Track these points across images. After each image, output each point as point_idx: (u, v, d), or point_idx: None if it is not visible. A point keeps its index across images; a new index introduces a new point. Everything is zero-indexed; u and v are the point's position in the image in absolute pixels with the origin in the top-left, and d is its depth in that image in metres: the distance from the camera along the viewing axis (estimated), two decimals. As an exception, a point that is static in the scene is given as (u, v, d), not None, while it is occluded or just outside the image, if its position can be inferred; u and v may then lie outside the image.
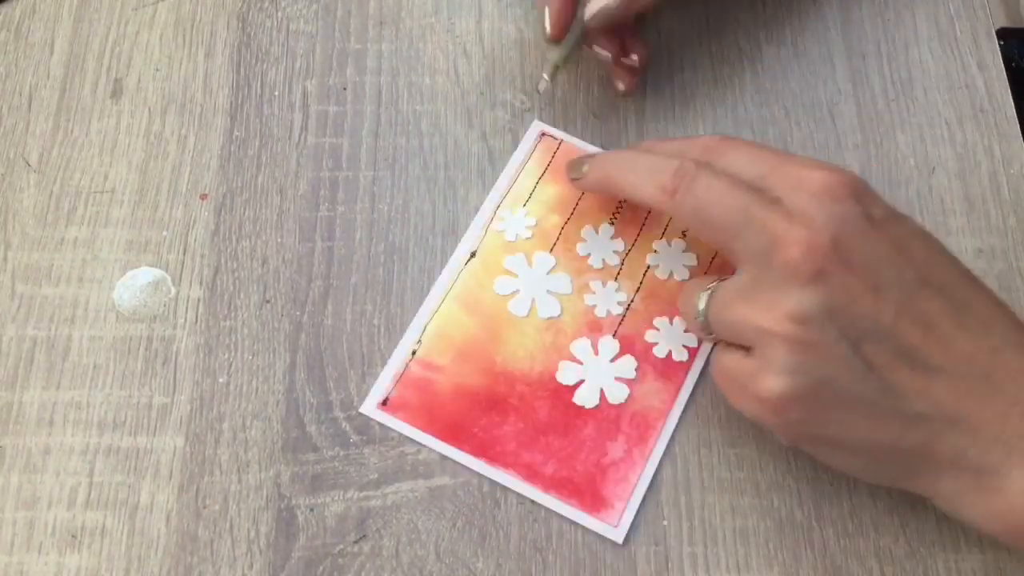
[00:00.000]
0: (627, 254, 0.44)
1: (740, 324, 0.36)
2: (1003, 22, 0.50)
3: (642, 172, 0.38)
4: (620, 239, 0.44)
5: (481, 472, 0.40)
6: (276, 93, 0.47)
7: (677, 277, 0.44)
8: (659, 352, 0.42)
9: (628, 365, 0.42)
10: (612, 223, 0.44)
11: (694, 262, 0.44)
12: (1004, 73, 0.48)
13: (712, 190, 0.36)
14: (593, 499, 0.40)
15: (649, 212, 0.45)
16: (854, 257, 0.34)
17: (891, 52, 0.49)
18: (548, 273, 0.43)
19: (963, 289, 0.36)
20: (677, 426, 0.41)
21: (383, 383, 0.41)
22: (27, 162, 0.46)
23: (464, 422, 0.41)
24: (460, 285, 0.43)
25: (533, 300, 0.43)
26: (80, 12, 0.49)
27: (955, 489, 0.35)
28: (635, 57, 0.45)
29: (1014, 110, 0.48)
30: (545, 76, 0.44)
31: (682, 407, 0.41)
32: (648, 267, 0.44)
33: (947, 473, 0.35)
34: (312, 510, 0.39)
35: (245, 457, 0.40)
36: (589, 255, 0.44)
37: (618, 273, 0.44)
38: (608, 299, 0.43)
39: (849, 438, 0.35)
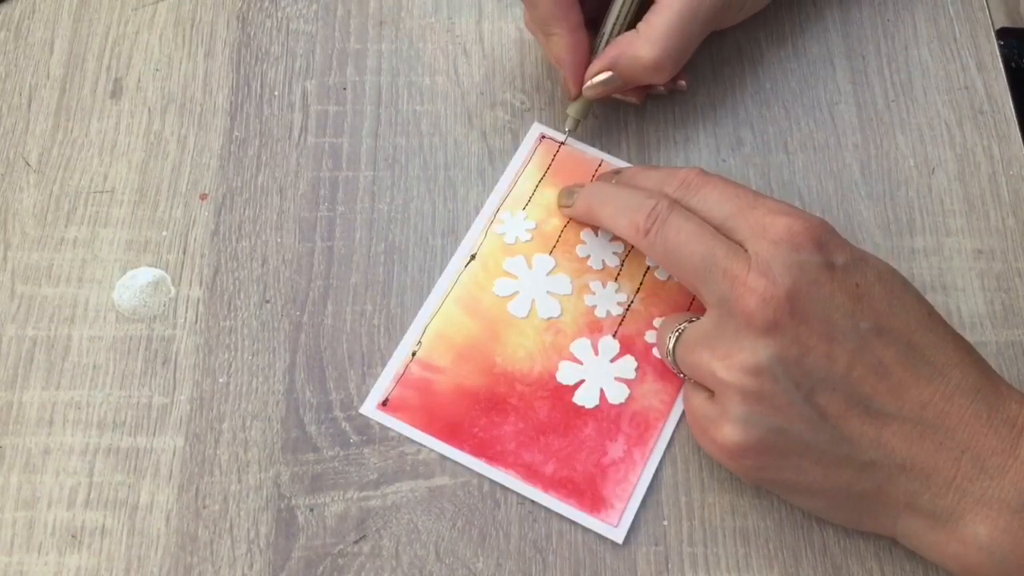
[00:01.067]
0: (626, 255, 0.44)
1: (702, 369, 0.37)
2: (1003, 22, 0.50)
3: (620, 208, 0.40)
4: (619, 241, 0.44)
5: (481, 472, 0.40)
6: (276, 93, 0.47)
7: (676, 278, 0.44)
8: (659, 352, 0.42)
9: (628, 365, 0.42)
10: None
11: None
12: (1004, 74, 0.48)
13: (681, 233, 0.37)
14: (593, 499, 0.40)
15: None
16: (809, 308, 0.35)
17: (891, 52, 0.49)
18: (548, 274, 0.43)
19: (921, 334, 0.36)
20: (677, 426, 0.41)
21: (383, 384, 0.41)
22: (27, 162, 0.46)
23: (464, 422, 0.41)
24: (460, 287, 0.43)
25: (533, 301, 0.43)
26: (80, 12, 0.49)
27: (913, 531, 0.36)
28: (682, 83, 0.47)
29: (1014, 111, 0.48)
30: (566, 129, 0.46)
31: (682, 407, 0.41)
32: (648, 268, 0.44)
33: (904, 516, 0.36)
34: (312, 510, 0.40)
35: (245, 457, 0.40)
36: (589, 256, 0.44)
37: (618, 274, 0.44)
38: (608, 300, 0.43)
39: (805, 483, 0.36)
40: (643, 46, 0.42)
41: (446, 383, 0.41)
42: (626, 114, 0.47)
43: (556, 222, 0.45)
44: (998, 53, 0.49)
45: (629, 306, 0.43)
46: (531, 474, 0.40)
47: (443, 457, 0.40)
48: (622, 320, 0.43)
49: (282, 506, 0.40)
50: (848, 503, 0.37)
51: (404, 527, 0.39)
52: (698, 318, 0.38)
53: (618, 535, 0.39)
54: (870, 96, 0.48)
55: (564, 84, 0.45)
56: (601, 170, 0.46)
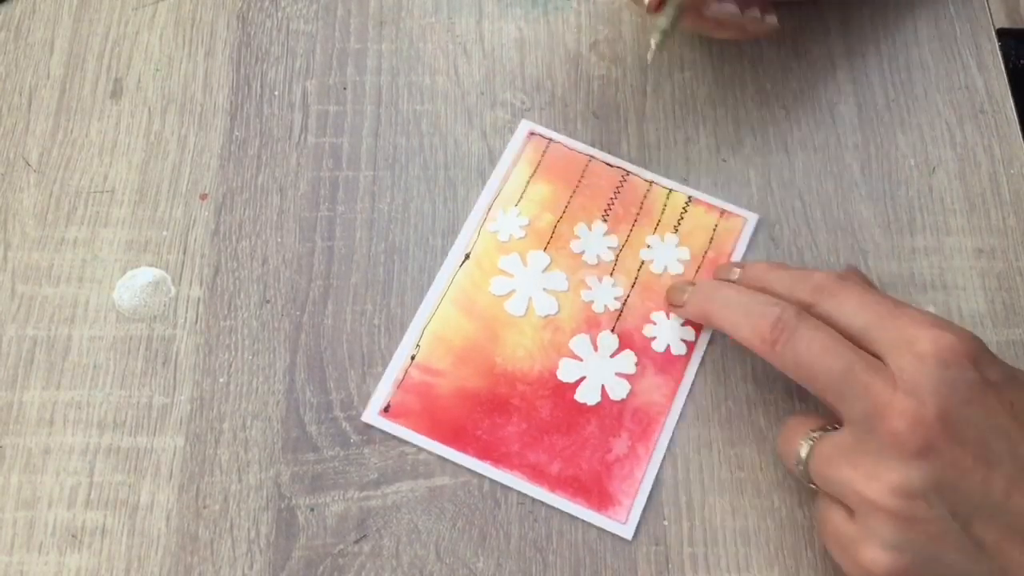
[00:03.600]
0: (621, 250, 0.44)
1: (843, 487, 0.34)
2: (1003, 22, 0.50)
3: (741, 315, 0.38)
4: (613, 235, 0.44)
5: (486, 475, 0.40)
6: (276, 93, 0.47)
7: (671, 271, 0.44)
8: (658, 346, 0.42)
9: (628, 360, 0.42)
10: (605, 220, 0.45)
11: (687, 256, 0.44)
12: (1004, 73, 0.48)
13: (814, 345, 0.35)
14: (600, 497, 0.40)
15: (641, 208, 0.45)
16: (964, 430, 0.33)
17: (891, 52, 0.49)
18: (543, 271, 0.43)
19: None
20: (677, 426, 0.41)
21: (384, 389, 0.41)
22: (27, 162, 0.46)
23: (467, 425, 0.41)
24: (456, 288, 0.43)
25: (530, 299, 0.43)
26: (80, 12, 0.49)
27: None
28: (772, 18, 0.43)
29: (1014, 110, 0.48)
30: (653, 43, 0.41)
31: (683, 401, 0.41)
32: (642, 262, 0.44)
33: None
34: (312, 510, 0.39)
35: (245, 457, 0.40)
36: (583, 252, 0.44)
37: (613, 269, 0.44)
38: (604, 294, 0.43)
39: None
40: None
41: (447, 386, 0.41)
42: (626, 114, 0.47)
43: (549, 217, 0.45)
44: (998, 53, 0.49)
45: (626, 300, 0.43)
46: (537, 474, 0.40)
47: (446, 460, 0.40)
48: (620, 315, 0.43)
49: (282, 506, 0.40)
50: None
51: (404, 527, 0.39)
52: (833, 428, 0.36)
53: (627, 531, 0.39)
54: (870, 96, 0.48)
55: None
56: (591, 167, 0.46)
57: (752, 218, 0.45)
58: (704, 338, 0.42)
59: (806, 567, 0.39)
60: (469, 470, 0.40)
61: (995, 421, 0.33)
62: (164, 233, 0.44)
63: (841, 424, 0.36)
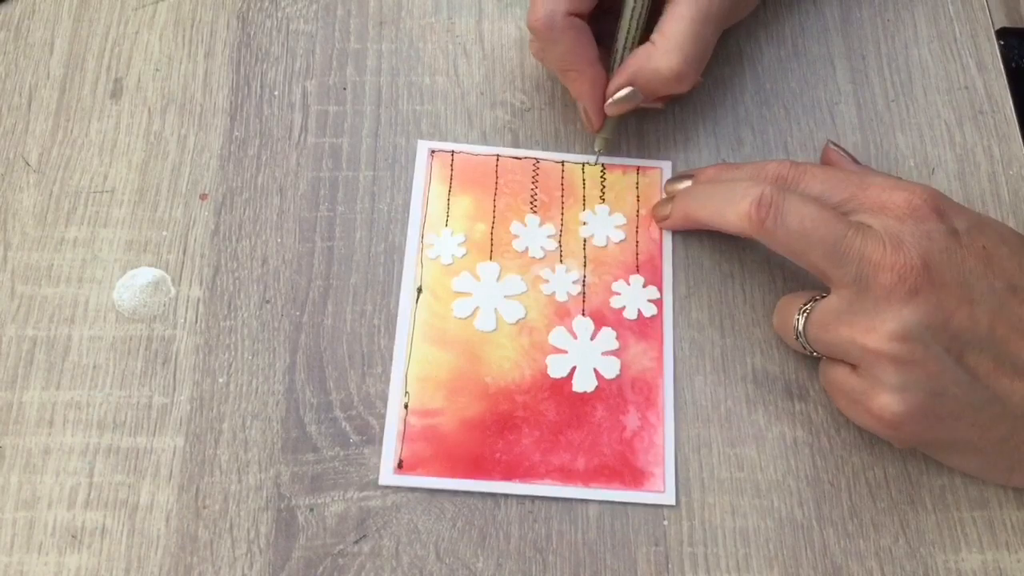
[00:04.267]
0: (560, 235, 0.44)
1: (844, 345, 0.37)
2: (1003, 22, 0.50)
3: (723, 203, 0.39)
4: (549, 223, 0.45)
5: (521, 493, 0.40)
6: (276, 93, 0.47)
7: (614, 239, 0.44)
8: (629, 314, 0.43)
9: (609, 338, 0.42)
10: (535, 211, 0.45)
11: (623, 220, 0.45)
12: (1004, 74, 0.48)
13: (804, 220, 0.37)
14: (632, 475, 0.40)
15: (563, 189, 0.45)
16: (945, 273, 0.36)
17: (891, 52, 0.49)
18: (498, 280, 0.43)
19: None
20: (678, 425, 0.41)
21: (390, 447, 0.40)
22: (27, 162, 0.46)
23: (483, 452, 0.40)
24: (421, 325, 0.43)
25: (495, 310, 0.43)
26: (80, 12, 0.49)
27: None
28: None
29: (1014, 111, 0.48)
30: (597, 149, 0.45)
31: (672, 358, 0.42)
32: (584, 240, 0.44)
33: None
34: (312, 510, 0.39)
35: (245, 457, 0.40)
36: (527, 248, 0.44)
37: (560, 255, 0.44)
38: (562, 282, 0.43)
39: (961, 442, 0.37)
40: (661, 58, 0.41)
41: (449, 422, 0.41)
42: (626, 114, 0.47)
43: (482, 227, 0.44)
44: (998, 53, 0.49)
45: (584, 281, 0.43)
46: (567, 475, 0.40)
47: (483, 493, 0.40)
48: (583, 297, 0.43)
49: (282, 506, 0.40)
50: (1001, 459, 0.38)
51: (404, 527, 0.39)
52: (822, 296, 0.39)
53: (669, 499, 0.40)
54: (870, 96, 0.48)
55: (584, 115, 0.44)
56: (502, 165, 0.46)
57: (666, 165, 0.46)
58: (668, 291, 0.43)
59: (806, 567, 0.39)
60: (506, 495, 0.40)
61: (971, 264, 0.36)
62: (164, 233, 0.44)
63: (827, 294, 0.38)
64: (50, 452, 0.40)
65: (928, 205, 0.37)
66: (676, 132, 0.47)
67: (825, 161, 0.44)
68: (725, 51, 0.49)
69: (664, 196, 0.45)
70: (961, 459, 0.39)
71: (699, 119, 0.47)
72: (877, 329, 0.36)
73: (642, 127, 0.47)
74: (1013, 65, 0.49)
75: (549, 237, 0.44)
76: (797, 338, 0.39)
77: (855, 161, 0.43)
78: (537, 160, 0.46)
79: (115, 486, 0.40)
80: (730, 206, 0.39)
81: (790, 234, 0.37)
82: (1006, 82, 0.48)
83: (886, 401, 0.36)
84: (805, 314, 0.39)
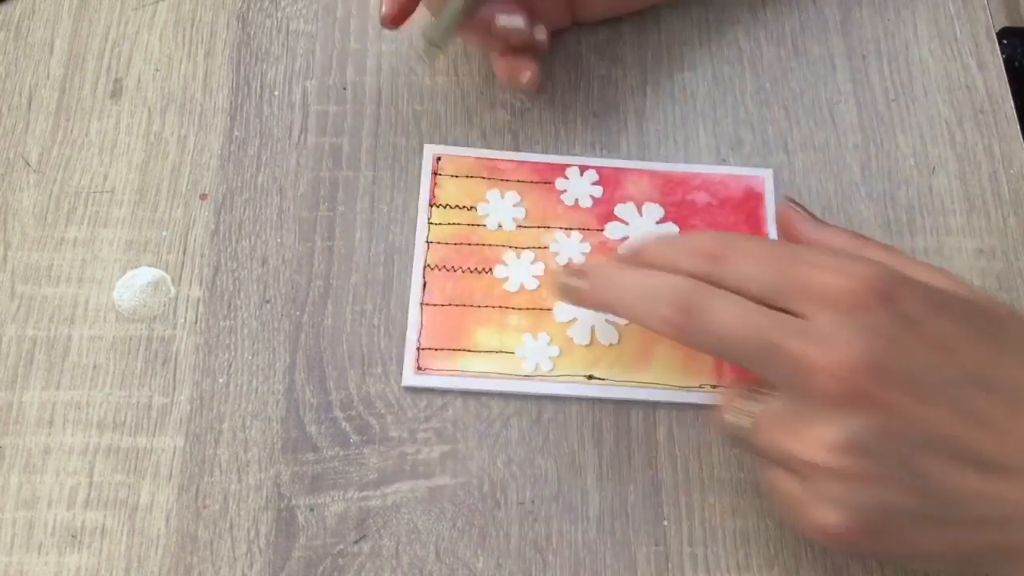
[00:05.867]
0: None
1: (785, 455, 0.33)
2: (1003, 22, 0.50)
3: (638, 300, 0.35)
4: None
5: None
6: (276, 93, 0.47)
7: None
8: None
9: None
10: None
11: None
12: (1004, 73, 0.48)
13: (725, 318, 0.33)
14: None
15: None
16: (892, 373, 0.32)
17: (891, 52, 0.49)
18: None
19: (1016, 371, 0.33)
20: (678, 425, 0.41)
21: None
22: (27, 162, 0.46)
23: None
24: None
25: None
26: (80, 12, 0.49)
27: None
28: (541, 37, 0.43)
29: (1014, 110, 0.48)
30: (424, 57, 0.43)
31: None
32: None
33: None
34: (312, 510, 0.39)
35: (245, 457, 0.40)
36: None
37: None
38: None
39: (920, 551, 0.33)
40: None
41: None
42: (626, 114, 0.47)
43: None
44: (999, 52, 0.49)
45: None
46: None
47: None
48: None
49: (282, 506, 0.40)
50: (966, 560, 0.33)
51: (404, 527, 0.39)
52: (764, 393, 0.34)
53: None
54: (870, 96, 0.48)
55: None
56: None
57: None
58: None
59: (806, 567, 0.39)
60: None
61: (923, 356, 0.32)
62: (164, 233, 0.44)
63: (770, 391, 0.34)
64: (50, 452, 0.40)
65: (871, 291, 0.32)
66: (676, 132, 0.47)
67: (781, 221, 0.40)
68: (725, 51, 0.49)
69: (624, 253, 0.40)
70: (927, 565, 0.35)
71: (699, 119, 0.47)
72: (818, 439, 0.32)
73: (642, 127, 0.47)
74: (1015, 65, 0.49)
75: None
76: (738, 444, 0.35)
77: (814, 219, 0.39)
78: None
79: (115, 486, 0.40)
80: (646, 305, 0.35)
81: (713, 339, 0.34)
82: (1007, 81, 0.48)
83: (829, 517, 0.32)
84: (751, 420, 0.34)
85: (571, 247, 0.44)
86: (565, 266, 0.43)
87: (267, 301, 0.43)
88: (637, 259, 0.38)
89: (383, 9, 0.40)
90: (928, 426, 0.32)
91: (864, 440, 0.31)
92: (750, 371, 0.34)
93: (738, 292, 0.34)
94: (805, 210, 0.39)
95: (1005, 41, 0.49)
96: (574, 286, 0.38)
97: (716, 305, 0.34)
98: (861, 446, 0.31)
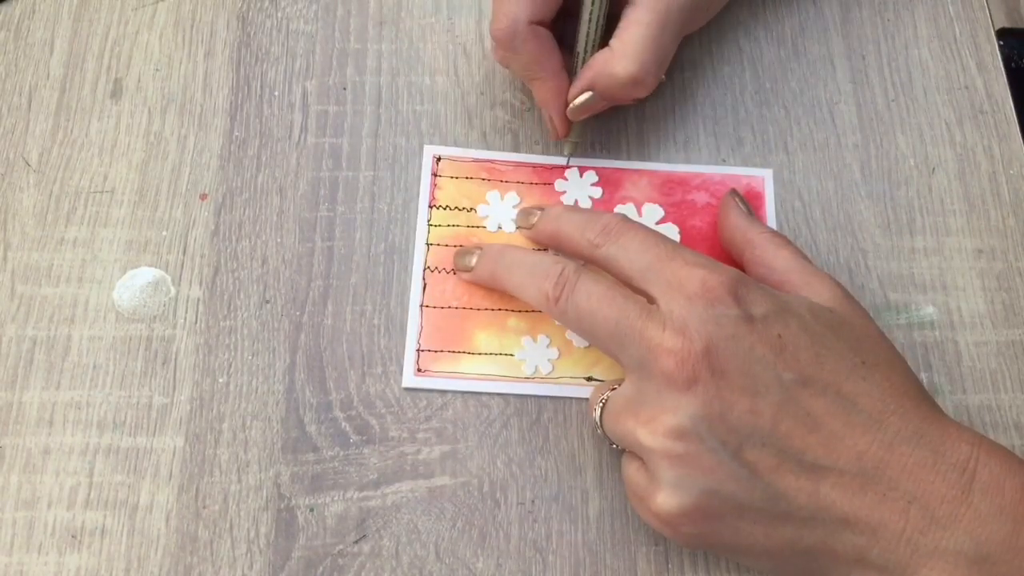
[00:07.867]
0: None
1: (628, 438, 0.35)
2: (1003, 22, 0.50)
3: (525, 275, 0.39)
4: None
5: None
6: (276, 93, 0.47)
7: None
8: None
9: None
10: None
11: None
12: (1004, 73, 0.48)
13: (592, 298, 0.36)
14: None
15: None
16: (729, 362, 0.33)
17: (891, 52, 0.49)
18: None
19: (853, 383, 0.34)
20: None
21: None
22: (27, 162, 0.46)
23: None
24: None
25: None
26: (80, 12, 0.49)
27: None
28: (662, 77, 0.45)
29: (1014, 111, 0.48)
30: (567, 154, 0.46)
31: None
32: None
33: (855, 571, 0.34)
34: (312, 510, 0.40)
35: (245, 457, 0.40)
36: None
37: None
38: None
39: (747, 544, 0.34)
40: (619, 63, 0.41)
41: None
42: (626, 115, 0.47)
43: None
44: (998, 53, 0.49)
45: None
46: None
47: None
48: None
49: (282, 506, 0.40)
50: (796, 561, 0.35)
51: (404, 527, 0.39)
52: (617, 386, 0.37)
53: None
54: (870, 96, 0.48)
55: (548, 122, 0.44)
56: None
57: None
58: None
59: (806, 567, 0.39)
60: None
61: (760, 353, 0.34)
62: (164, 233, 0.44)
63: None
64: (50, 452, 0.40)
65: (724, 287, 0.34)
66: (676, 132, 0.47)
67: (720, 208, 0.43)
68: (725, 51, 0.49)
69: (543, 218, 0.42)
70: (756, 562, 0.36)
71: (699, 119, 0.47)
72: (655, 422, 0.34)
73: (642, 127, 0.47)
74: (1013, 65, 0.49)
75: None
76: (596, 429, 0.38)
77: (749, 214, 0.41)
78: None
79: (115, 486, 0.40)
80: (532, 280, 0.38)
81: (579, 312, 0.36)
82: (1006, 82, 0.48)
83: (661, 499, 0.34)
84: (602, 404, 0.37)
85: None
86: (460, 246, 0.44)
87: (267, 301, 0.43)
88: (544, 221, 0.41)
89: (560, 131, 0.44)
90: (757, 420, 0.33)
91: (696, 425, 0.33)
92: (609, 352, 0.36)
93: (612, 270, 0.37)
94: (744, 205, 0.42)
95: (1004, 42, 0.49)
96: (465, 262, 0.42)
97: (589, 285, 0.36)
98: (694, 432, 0.33)
